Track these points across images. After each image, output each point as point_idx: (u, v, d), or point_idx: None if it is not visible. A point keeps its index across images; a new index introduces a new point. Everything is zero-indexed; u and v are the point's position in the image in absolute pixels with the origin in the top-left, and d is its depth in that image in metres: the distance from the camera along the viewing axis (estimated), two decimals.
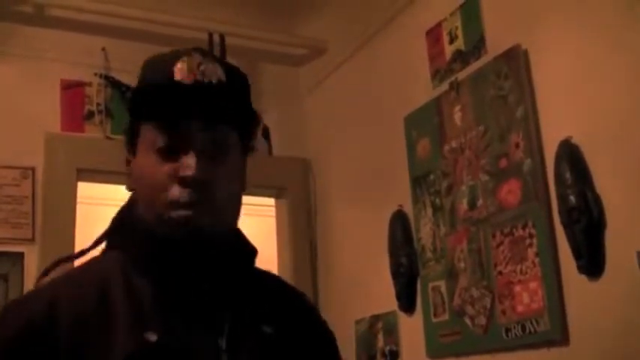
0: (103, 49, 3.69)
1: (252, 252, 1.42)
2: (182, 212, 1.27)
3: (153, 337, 1.21)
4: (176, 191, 1.27)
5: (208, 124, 1.31)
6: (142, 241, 1.33)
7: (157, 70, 1.33)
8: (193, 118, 1.30)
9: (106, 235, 1.41)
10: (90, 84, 3.67)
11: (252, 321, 1.34)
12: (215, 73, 1.33)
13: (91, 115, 3.64)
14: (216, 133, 1.32)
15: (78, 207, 3.49)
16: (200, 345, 1.26)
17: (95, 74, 3.68)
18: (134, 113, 1.35)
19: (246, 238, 1.43)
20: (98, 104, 3.65)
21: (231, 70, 1.37)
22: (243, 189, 1.40)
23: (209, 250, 1.32)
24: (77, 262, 1.42)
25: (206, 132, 1.30)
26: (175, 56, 1.34)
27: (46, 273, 1.38)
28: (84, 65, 3.67)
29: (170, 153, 1.29)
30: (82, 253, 1.43)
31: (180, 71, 1.30)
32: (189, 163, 1.27)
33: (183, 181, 1.27)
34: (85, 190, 3.65)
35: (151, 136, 1.31)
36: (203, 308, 1.30)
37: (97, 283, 1.29)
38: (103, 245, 1.41)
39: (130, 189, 1.39)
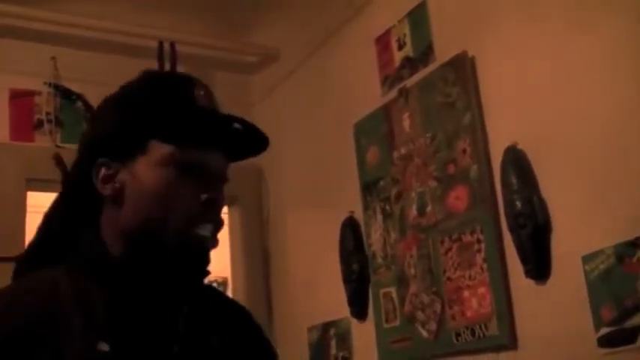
0: (53, 57, 3.65)
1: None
2: (206, 232, 1.33)
3: (105, 348, 1.20)
4: (203, 212, 1.33)
5: (228, 152, 1.40)
6: (101, 256, 1.32)
7: (174, 94, 1.37)
8: (220, 145, 1.37)
9: (48, 249, 1.38)
10: (39, 93, 3.63)
11: (202, 333, 1.34)
12: (218, 103, 1.43)
13: (40, 124, 3.60)
14: (227, 161, 1.41)
15: (28, 216, 3.44)
16: (153, 355, 1.26)
17: (44, 83, 3.64)
18: (146, 129, 1.34)
19: None
20: (48, 113, 3.61)
21: None
22: None
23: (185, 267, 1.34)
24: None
25: (224, 158, 1.39)
26: (185, 80, 1.41)
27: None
28: (33, 74, 3.62)
29: (190, 174, 1.33)
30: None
31: (201, 98, 1.38)
32: (218, 188, 1.36)
33: (210, 204, 1.34)
34: (36, 198, 3.61)
35: (168, 154, 1.32)
36: (156, 318, 1.30)
37: (46, 294, 1.26)
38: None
39: (111, 196, 1.35)
